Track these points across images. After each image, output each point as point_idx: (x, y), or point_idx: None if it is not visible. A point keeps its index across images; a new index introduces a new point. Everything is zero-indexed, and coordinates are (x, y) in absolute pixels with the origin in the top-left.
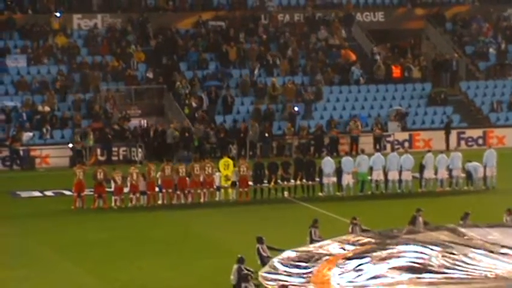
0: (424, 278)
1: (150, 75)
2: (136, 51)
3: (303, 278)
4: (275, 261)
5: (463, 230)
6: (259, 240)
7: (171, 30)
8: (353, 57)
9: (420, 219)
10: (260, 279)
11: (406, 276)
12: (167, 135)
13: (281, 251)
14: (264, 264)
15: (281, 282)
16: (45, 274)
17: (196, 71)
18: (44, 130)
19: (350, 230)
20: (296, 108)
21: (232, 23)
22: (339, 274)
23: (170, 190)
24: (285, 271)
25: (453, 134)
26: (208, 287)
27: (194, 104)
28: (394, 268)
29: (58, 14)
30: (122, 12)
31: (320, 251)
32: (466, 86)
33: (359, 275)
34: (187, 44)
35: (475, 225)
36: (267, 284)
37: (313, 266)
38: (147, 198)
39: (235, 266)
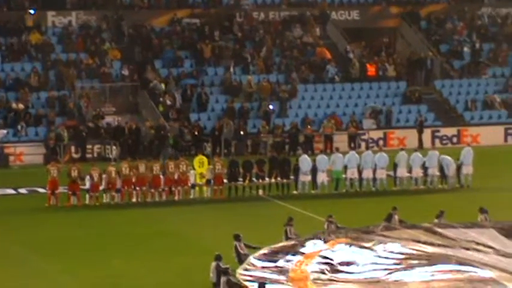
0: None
1: (124, 72)
2: (111, 49)
3: (281, 274)
4: (252, 258)
5: (439, 229)
6: (237, 238)
7: (146, 27)
8: (328, 55)
9: (396, 217)
10: (238, 276)
11: (381, 272)
12: (142, 133)
13: (258, 248)
14: (241, 261)
15: (260, 279)
16: (19, 272)
17: (171, 68)
18: (19, 127)
19: (325, 227)
20: (271, 107)
21: (207, 20)
22: (315, 270)
23: (144, 188)
24: (263, 267)
25: (428, 133)
26: (183, 284)
27: (169, 102)
28: (369, 264)
29: (32, 11)
30: (96, 10)
31: (296, 247)
32: (441, 85)
33: (334, 270)
34: (162, 42)
35: (451, 224)
36: (245, 282)
37: (290, 262)
38: (121, 196)
39: (213, 264)
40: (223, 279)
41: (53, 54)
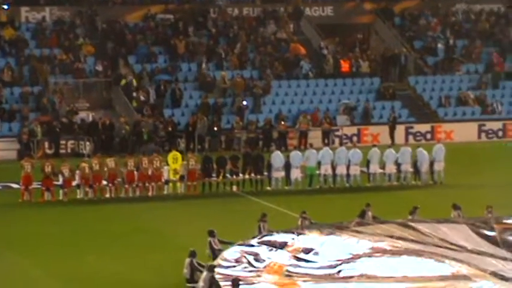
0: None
1: (98, 68)
2: (85, 44)
3: (255, 270)
4: (225, 254)
5: (412, 224)
6: (211, 234)
7: (119, 23)
8: (302, 51)
9: (369, 213)
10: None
11: (358, 267)
12: (116, 128)
13: (232, 244)
14: (215, 257)
15: (233, 276)
16: None
17: (145, 64)
18: None
19: (299, 223)
20: (244, 102)
21: (181, 16)
22: (291, 264)
23: (116, 183)
24: (236, 264)
25: (401, 129)
26: (157, 280)
27: (142, 98)
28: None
29: (5, 7)
30: (70, 5)
31: (271, 241)
32: (415, 81)
33: (311, 265)
34: (136, 37)
35: (424, 220)
36: (219, 279)
37: (265, 259)
38: (93, 191)
39: (187, 260)
40: (208, 275)
41: (26, 49)
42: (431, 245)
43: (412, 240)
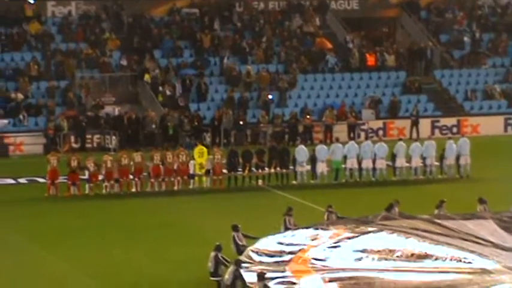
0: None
1: (124, 62)
2: (111, 39)
3: (280, 266)
4: (250, 251)
5: (438, 220)
6: (235, 228)
7: (145, 17)
8: (328, 45)
9: (396, 209)
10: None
11: (382, 263)
12: (146, 122)
13: (256, 238)
14: (239, 252)
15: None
16: (19, 261)
17: (171, 58)
18: (21, 117)
19: (326, 217)
20: (270, 96)
21: (206, 10)
22: (316, 258)
23: (142, 177)
24: (261, 261)
25: (427, 123)
26: (182, 274)
27: (168, 92)
28: (370, 254)
29: (32, 1)
30: (96, 0)
31: (295, 238)
32: (441, 75)
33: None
34: (162, 32)
35: (450, 217)
36: (244, 274)
37: (289, 254)
38: (119, 186)
39: (212, 254)
40: (233, 268)
41: (52, 44)
42: (458, 238)
43: (439, 234)
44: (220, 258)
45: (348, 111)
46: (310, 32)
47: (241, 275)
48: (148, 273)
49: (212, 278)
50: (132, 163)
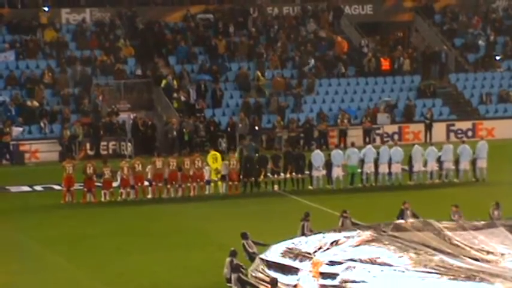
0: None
1: (138, 69)
2: (125, 46)
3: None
4: (261, 262)
5: (449, 233)
6: (244, 236)
7: (159, 24)
8: (346, 47)
9: (408, 212)
10: (250, 277)
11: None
12: (168, 129)
13: (266, 245)
14: (251, 259)
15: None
16: (36, 269)
17: (185, 64)
18: (42, 124)
19: (340, 223)
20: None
21: (221, 16)
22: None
23: (160, 184)
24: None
25: (442, 126)
26: (199, 280)
27: (183, 98)
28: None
29: (46, 9)
30: (110, 6)
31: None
32: (455, 78)
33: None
34: (176, 38)
35: (461, 226)
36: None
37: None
38: (135, 192)
39: (228, 259)
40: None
41: (67, 51)
42: (467, 258)
43: (448, 253)
44: (233, 264)
45: (363, 116)
46: (325, 37)
47: (245, 281)
48: (164, 279)
49: (229, 284)
50: (148, 169)
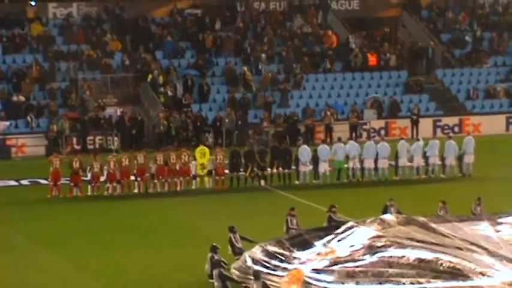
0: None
1: (125, 64)
2: (112, 40)
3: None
4: (247, 261)
5: (433, 225)
6: (231, 230)
7: (146, 18)
8: (335, 41)
9: (392, 209)
10: (232, 271)
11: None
12: (155, 123)
13: (254, 242)
14: (236, 254)
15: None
16: (23, 262)
17: (172, 59)
18: (29, 119)
19: (327, 218)
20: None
21: (208, 11)
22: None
23: (144, 178)
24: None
25: (429, 122)
26: (185, 274)
27: (170, 93)
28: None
29: (33, 3)
30: (97, 1)
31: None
32: (442, 74)
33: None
34: (163, 33)
35: (446, 220)
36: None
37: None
38: (121, 187)
39: (209, 255)
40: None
41: (54, 45)
42: (452, 247)
43: (432, 243)
44: (214, 259)
45: (349, 111)
46: (311, 32)
47: (227, 276)
48: (151, 273)
49: (211, 280)
50: (135, 163)
